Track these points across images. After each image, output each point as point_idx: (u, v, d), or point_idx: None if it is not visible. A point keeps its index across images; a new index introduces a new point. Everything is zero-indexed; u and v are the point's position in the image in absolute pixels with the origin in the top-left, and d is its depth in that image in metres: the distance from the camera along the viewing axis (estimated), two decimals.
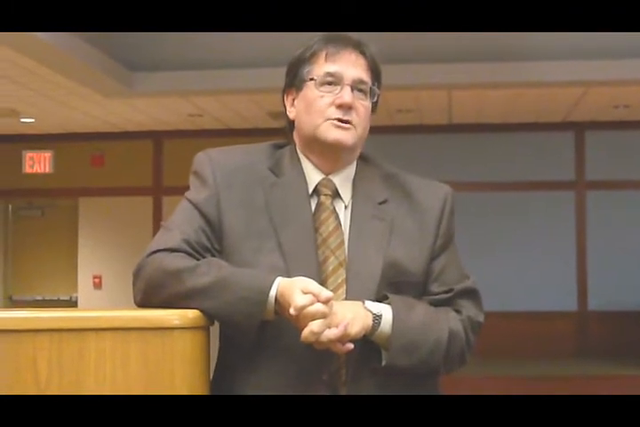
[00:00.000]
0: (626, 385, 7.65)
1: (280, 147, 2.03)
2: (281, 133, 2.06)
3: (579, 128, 9.73)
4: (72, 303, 10.55)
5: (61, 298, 10.96)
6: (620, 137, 9.67)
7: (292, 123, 2.01)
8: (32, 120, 9.25)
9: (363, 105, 1.94)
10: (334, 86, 1.91)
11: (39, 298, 11.01)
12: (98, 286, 10.08)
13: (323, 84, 1.92)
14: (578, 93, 8.26)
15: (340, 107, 1.90)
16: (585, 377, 8.12)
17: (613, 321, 9.46)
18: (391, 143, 9.18)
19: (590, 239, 9.67)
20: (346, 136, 1.91)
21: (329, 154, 1.95)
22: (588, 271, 9.65)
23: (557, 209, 9.73)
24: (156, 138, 10.05)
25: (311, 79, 1.93)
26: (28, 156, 10.08)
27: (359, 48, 1.95)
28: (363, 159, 2.03)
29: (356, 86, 1.92)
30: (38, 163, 10.07)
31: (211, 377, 1.79)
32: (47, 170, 10.07)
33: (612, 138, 9.69)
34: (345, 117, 1.90)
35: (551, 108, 8.97)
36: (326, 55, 1.93)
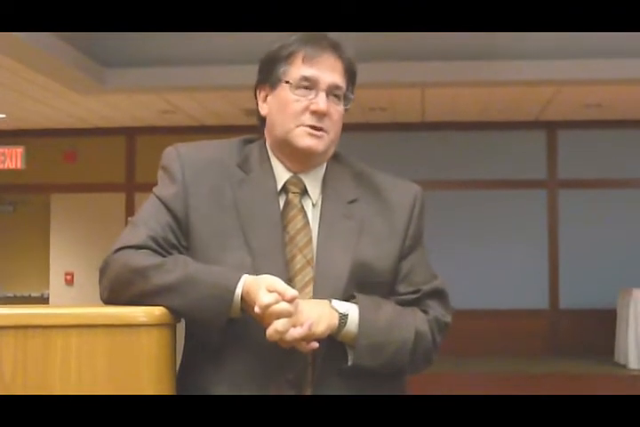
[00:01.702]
0: (597, 384, 7.70)
1: (250, 142, 2.01)
2: (255, 131, 2.04)
3: (551, 127, 9.79)
4: (43, 300, 10.50)
5: (33, 295, 10.89)
6: (592, 136, 9.74)
7: (263, 118, 1.98)
8: (3, 116, 9.19)
9: (336, 110, 1.91)
10: (309, 90, 1.89)
11: (10, 295, 10.94)
12: (70, 282, 10.04)
13: (298, 87, 1.89)
14: (550, 92, 8.31)
15: (314, 113, 1.88)
16: (556, 375, 8.17)
17: (585, 320, 9.53)
18: (364, 141, 9.20)
19: (562, 238, 9.74)
20: (317, 144, 1.89)
21: (299, 157, 1.93)
22: (560, 270, 9.71)
23: (529, 207, 9.79)
24: (129, 134, 10.02)
25: (287, 82, 1.90)
26: (0, 151, 10.02)
27: (337, 51, 1.92)
28: (334, 158, 2.01)
29: (332, 92, 1.90)
30: (10, 158, 10.01)
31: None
32: (19, 166, 10.00)
33: (583, 137, 9.76)
34: (318, 124, 1.88)
35: (523, 106, 9.02)
36: (304, 57, 1.89)
